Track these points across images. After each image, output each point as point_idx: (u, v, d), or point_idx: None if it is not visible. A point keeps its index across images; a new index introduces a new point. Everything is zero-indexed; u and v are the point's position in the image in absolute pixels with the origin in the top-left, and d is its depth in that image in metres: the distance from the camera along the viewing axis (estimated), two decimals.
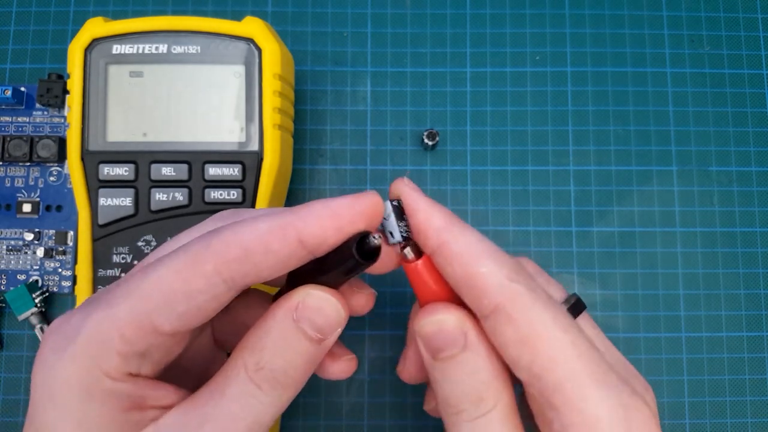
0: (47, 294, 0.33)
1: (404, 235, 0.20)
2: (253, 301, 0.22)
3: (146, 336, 0.17)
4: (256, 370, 0.17)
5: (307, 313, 0.18)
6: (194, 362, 0.21)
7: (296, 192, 0.35)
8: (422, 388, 0.33)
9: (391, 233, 0.20)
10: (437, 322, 0.19)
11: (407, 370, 0.23)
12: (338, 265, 0.18)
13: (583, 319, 0.22)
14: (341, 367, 0.22)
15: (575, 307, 0.21)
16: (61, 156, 0.33)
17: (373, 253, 0.18)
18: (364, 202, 0.18)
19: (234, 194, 0.28)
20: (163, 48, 0.29)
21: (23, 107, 0.34)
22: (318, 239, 0.17)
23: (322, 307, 0.18)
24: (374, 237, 0.18)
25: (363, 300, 0.22)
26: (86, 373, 0.17)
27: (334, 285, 0.19)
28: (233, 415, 0.17)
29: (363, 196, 0.18)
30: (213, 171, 0.28)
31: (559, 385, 0.17)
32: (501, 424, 0.18)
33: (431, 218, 0.19)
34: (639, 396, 0.18)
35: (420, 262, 0.20)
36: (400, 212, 0.20)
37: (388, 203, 0.20)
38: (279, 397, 0.18)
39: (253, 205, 0.28)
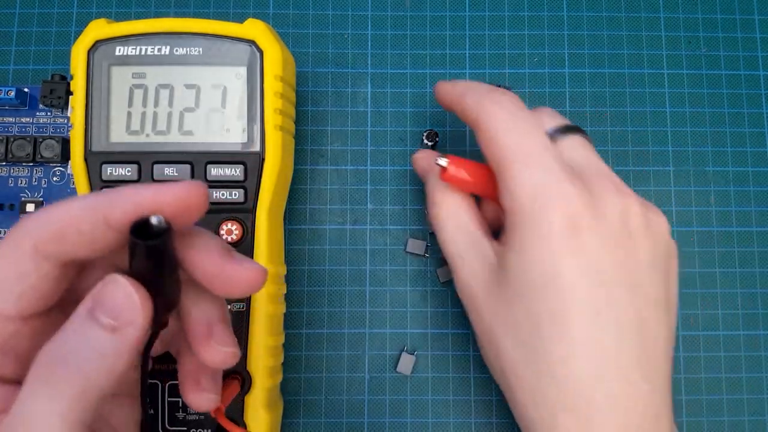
0: None
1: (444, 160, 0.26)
2: None
3: None
4: (49, 370, 0.16)
5: (98, 298, 0.17)
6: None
7: (298, 192, 0.35)
8: (422, 387, 0.33)
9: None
10: (421, 158, 0.31)
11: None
12: (130, 250, 0.18)
13: (573, 139, 0.26)
14: (212, 355, 0.21)
15: (565, 130, 0.27)
16: (65, 156, 0.33)
17: (157, 234, 0.17)
18: (173, 192, 0.18)
19: (236, 194, 0.29)
20: (165, 49, 0.29)
21: (27, 108, 0.34)
22: (123, 223, 0.17)
23: (112, 289, 0.17)
24: (156, 217, 0.17)
25: (214, 354, 0.20)
26: None
27: (153, 275, 0.18)
28: (27, 415, 0.16)
29: (174, 186, 0.18)
30: (215, 171, 0.28)
31: (507, 169, 0.24)
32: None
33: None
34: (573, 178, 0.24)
35: (448, 163, 0.26)
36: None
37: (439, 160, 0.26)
38: (75, 399, 0.16)
39: (255, 206, 0.29)
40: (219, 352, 0.20)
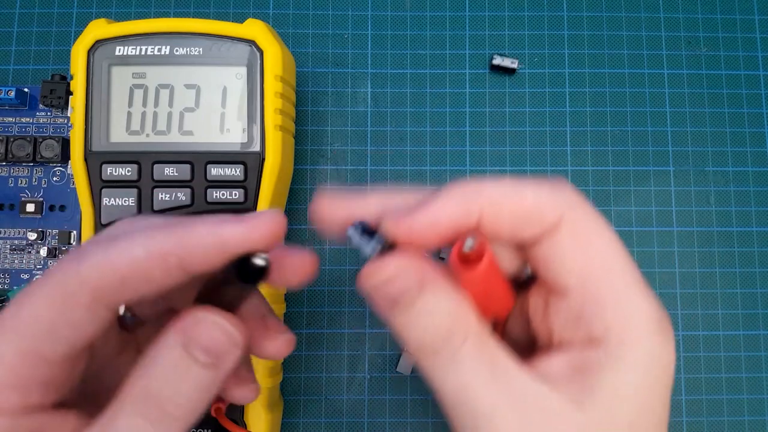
0: None
1: (383, 245, 0.17)
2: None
3: (40, 368, 0.16)
4: (145, 400, 0.16)
5: (195, 337, 0.17)
6: (119, 379, 0.21)
7: (297, 192, 0.35)
8: (422, 387, 0.33)
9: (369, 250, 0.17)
10: (386, 270, 0.17)
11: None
12: (225, 284, 0.17)
13: None
14: (277, 346, 0.20)
15: None
16: (65, 156, 0.33)
17: (259, 273, 0.17)
18: (258, 230, 0.16)
19: (236, 194, 0.29)
20: (165, 49, 0.29)
21: (27, 108, 0.34)
22: (203, 268, 0.16)
23: (213, 330, 0.17)
24: (259, 258, 0.16)
25: (278, 345, 0.20)
26: None
27: (232, 303, 0.18)
28: None
29: (256, 224, 0.17)
30: (215, 171, 0.28)
31: (612, 286, 0.17)
32: (479, 352, 0.17)
33: (443, 207, 0.17)
34: (661, 306, 0.18)
35: (484, 261, 0.17)
36: (367, 231, 0.17)
37: (351, 230, 0.17)
38: (168, 429, 0.16)
39: (255, 206, 0.29)
40: (280, 340, 0.20)
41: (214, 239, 0.16)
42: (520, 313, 0.20)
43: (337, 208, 0.18)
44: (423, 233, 0.17)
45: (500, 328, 0.21)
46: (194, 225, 0.16)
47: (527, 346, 0.20)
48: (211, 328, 0.17)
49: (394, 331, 0.18)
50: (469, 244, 0.17)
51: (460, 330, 0.17)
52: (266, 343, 0.20)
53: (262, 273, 0.17)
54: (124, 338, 0.20)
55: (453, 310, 0.17)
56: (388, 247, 0.17)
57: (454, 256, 0.17)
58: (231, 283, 0.17)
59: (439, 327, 0.17)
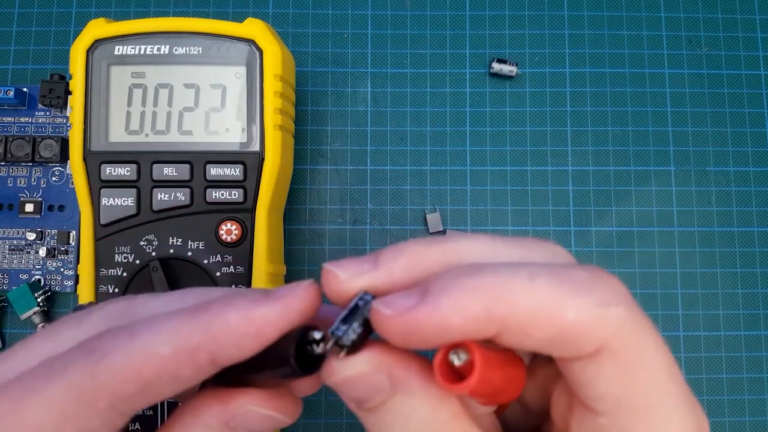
0: (49, 293, 0.33)
1: (355, 340, 0.14)
2: None
3: None
4: None
5: (244, 427, 0.15)
6: None
7: (297, 192, 0.35)
8: None
9: (336, 333, 0.14)
10: (350, 367, 0.14)
11: None
12: (272, 367, 0.15)
13: None
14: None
15: None
16: (64, 156, 0.33)
17: (320, 360, 0.14)
18: (294, 308, 0.14)
19: (235, 194, 0.28)
20: (164, 49, 0.29)
21: (26, 108, 0.34)
22: (237, 359, 0.14)
23: (265, 424, 0.15)
24: (315, 342, 0.14)
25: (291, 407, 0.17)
26: None
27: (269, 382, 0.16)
28: None
29: (291, 302, 0.14)
30: (214, 171, 0.28)
31: (648, 410, 0.14)
32: None
33: (459, 308, 0.13)
34: (703, 413, 0.15)
35: (476, 371, 0.13)
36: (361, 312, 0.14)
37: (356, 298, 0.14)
38: None
39: (254, 205, 0.29)
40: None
41: (247, 327, 0.14)
42: (537, 387, 0.17)
43: (346, 283, 0.15)
44: (422, 337, 0.13)
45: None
46: (222, 310, 0.14)
47: (538, 412, 0.17)
48: (263, 423, 0.15)
49: (366, 427, 0.15)
50: (459, 360, 0.13)
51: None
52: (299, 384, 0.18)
53: (322, 359, 0.14)
54: None
55: (432, 413, 0.14)
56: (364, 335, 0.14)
57: (437, 365, 0.14)
58: (274, 370, 0.15)
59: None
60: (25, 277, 0.33)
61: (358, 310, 0.14)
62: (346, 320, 0.14)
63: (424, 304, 0.13)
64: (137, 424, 0.28)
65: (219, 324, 0.14)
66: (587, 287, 0.14)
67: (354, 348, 0.14)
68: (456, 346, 0.14)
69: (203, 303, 0.15)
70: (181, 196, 0.28)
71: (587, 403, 0.14)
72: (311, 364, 0.14)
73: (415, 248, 0.15)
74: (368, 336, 0.14)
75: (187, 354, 0.14)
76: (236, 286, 0.28)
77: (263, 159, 0.28)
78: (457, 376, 0.14)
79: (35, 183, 0.34)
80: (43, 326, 0.33)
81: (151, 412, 0.28)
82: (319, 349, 0.14)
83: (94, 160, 0.28)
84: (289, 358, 0.14)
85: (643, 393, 0.14)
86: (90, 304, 0.26)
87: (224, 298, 0.15)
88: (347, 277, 0.14)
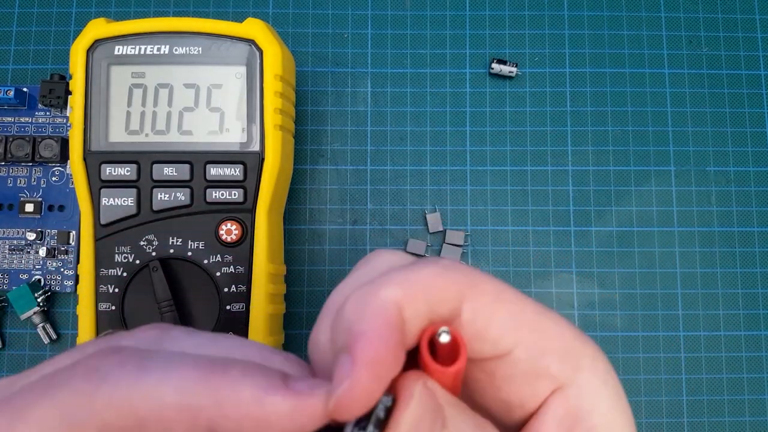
0: (49, 293, 0.33)
1: None
2: None
3: None
4: None
5: None
6: None
7: (297, 192, 0.35)
8: None
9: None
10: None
11: None
12: None
13: None
14: None
15: None
16: (64, 156, 0.33)
17: None
18: (309, 412, 0.13)
19: (235, 194, 0.28)
20: (164, 49, 0.29)
21: (26, 108, 0.34)
22: None
23: None
24: None
25: None
26: None
27: None
28: None
29: (308, 404, 0.13)
30: (215, 171, 0.28)
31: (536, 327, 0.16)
32: None
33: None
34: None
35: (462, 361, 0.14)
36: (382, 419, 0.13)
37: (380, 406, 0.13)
38: None
39: (254, 205, 0.29)
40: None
41: (256, 411, 0.13)
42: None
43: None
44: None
45: None
46: (239, 381, 0.13)
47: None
48: None
49: None
50: (444, 339, 0.14)
51: None
52: None
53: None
54: None
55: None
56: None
57: (424, 346, 0.14)
58: None
59: None
60: (25, 277, 0.33)
61: (373, 411, 0.13)
62: (360, 423, 0.13)
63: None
64: None
65: (229, 394, 0.13)
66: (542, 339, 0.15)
67: None
68: (438, 325, 0.14)
69: (223, 362, 0.14)
70: (181, 196, 0.28)
71: (496, 352, 0.15)
72: None
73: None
74: None
75: (189, 412, 0.13)
76: (244, 307, 0.28)
77: (263, 159, 0.28)
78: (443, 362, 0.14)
79: (35, 183, 0.34)
80: (43, 327, 0.33)
81: None
82: None
83: (94, 160, 0.28)
84: None
85: (524, 313, 0.15)
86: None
87: (245, 366, 0.14)
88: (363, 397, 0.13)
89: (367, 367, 0.13)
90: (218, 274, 0.28)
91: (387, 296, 0.14)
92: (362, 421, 0.13)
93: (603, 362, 0.16)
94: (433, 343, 0.14)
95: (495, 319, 0.15)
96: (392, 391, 0.14)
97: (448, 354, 0.14)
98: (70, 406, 0.13)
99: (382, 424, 0.13)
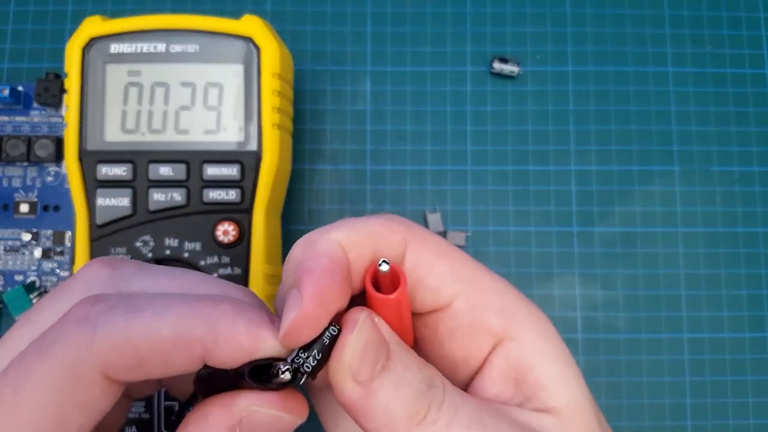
0: (45, 294, 0.33)
1: (309, 367, 0.15)
2: None
3: None
4: None
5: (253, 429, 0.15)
6: (102, 421, 0.19)
7: (295, 192, 0.34)
8: None
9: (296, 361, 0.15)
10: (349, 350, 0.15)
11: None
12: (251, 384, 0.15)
13: None
14: None
15: None
16: (59, 156, 0.33)
17: (284, 384, 0.15)
18: (295, 342, 0.14)
19: (233, 194, 0.28)
20: (161, 47, 0.29)
21: (21, 107, 0.34)
22: (225, 365, 0.15)
23: (272, 426, 0.15)
24: (282, 370, 0.15)
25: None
26: None
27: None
28: None
29: (295, 337, 0.14)
30: (211, 171, 0.28)
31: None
32: (461, 396, 0.16)
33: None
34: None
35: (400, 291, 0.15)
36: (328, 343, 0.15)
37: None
38: None
39: (252, 206, 0.28)
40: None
41: (248, 342, 0.14)
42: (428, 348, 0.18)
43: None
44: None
45: None
46: (234, 316, 0.14)
47: None
48: (271, 425, 0.15)
49: (360, 407, 0.15)
50: (384, 267, 0.15)
51: (438, 377, 0.15)
52: None
53: (286, 384, 0.15)
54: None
55: (421, 362, 0.16)
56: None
57: (367, 279, 0.16)
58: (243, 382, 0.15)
59: (420, 384, 0.15)
60: (20, 278, 0.33)
61: (319, 338, 0.14)
62: (306, 348, 0.14)
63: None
64: (134, 428, 0.28)
65: (226, 326, 0.14)
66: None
67: (313, 374, 0.15)
68: (378, 258, 0.15)
69: (213, 299, 0.15)
70: (178, 196, 0.28)
71: (437, 303, 0.17)
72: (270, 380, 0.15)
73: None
74: (326, 361, 0.15)
75: (186, 343, 0.14)
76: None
77: (261, 158, 0.28)
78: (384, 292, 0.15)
79: (30, 183, 0.33)
80: None
81: (148, 416, 0.28)
82: (282, 377, 0.15)
83: (89, 159, 0.28)
84: (246, 376, 0.14)
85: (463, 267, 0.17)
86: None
87: (234, 301, 0.15)
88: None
89: (313, 297, 0.14)
90: (215, 275, 0.28)
91: (332, 237, 0.15)
92: (309, 346, 0.14)
93: (543, 318, 0.17)
94: (376, 280, 0.16)
95: (435, 269, 0.16)
96: (339, 324, 0.15)
97: (389, 285, 0.15)
98: (70, 357, 0.14)
99: (327, 349, 0.14)
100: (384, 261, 0.15)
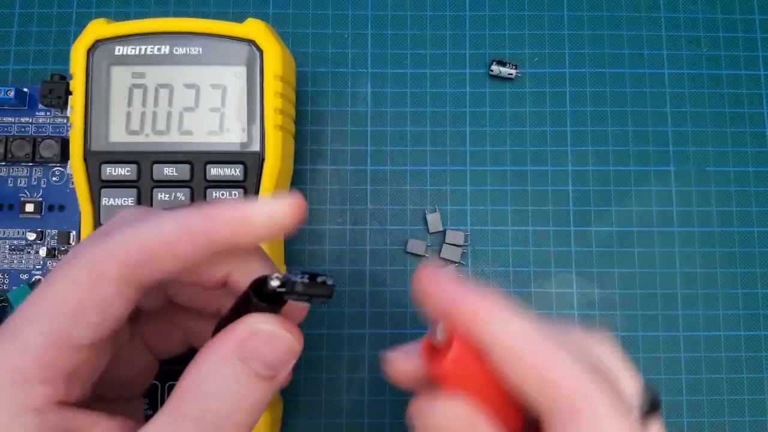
0: None
1: (299, 276, 0.16)
2: (188, 301, 0.20)
3: (66, 356, 0.15)
4: (200, 419, 0.15)
5: (255, 349, 0.16)
6: (127, 374, 0.20)
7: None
8: None
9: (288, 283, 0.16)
10: (443, 415, 0.16)
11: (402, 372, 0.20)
12: (248, 308, 0.17)
13: (655, 425, 0.18)
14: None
15: (651, 406, 0.18)
16: (64, 156, 0.33)
17: (277, 296, 0.16)
18: (281, 209, 0.17)
19: (236, 194, 0.28)
20: (165, 49, 0.29)
21: (26, 108, 0.34)
22: (230, 246, 0.17)
23: (272, 342, 0.16)
24: (273, 278, 0.16)
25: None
26: (7, 414, 0.15)
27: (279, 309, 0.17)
28: None
29: (278, 201, 0.17)
30: (215, 171, 0.28)
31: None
32: None
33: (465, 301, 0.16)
34: None
35: (453, 354, 0.14)
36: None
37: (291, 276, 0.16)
38: None
39: None
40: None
41: (240, 215, 0.17)
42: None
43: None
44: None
45: None
46: (220, 203, 0.17)
47: None
48: (270, 340, 0.16)
49: None
50: (439, 335, 0.14)
51: None
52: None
53: (279, 296, 0.16)
54: (130, 329, 0.20)
55: None
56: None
57: (424, 349, 0.16)
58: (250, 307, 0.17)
59: None
60: (25, 277, 0.33)
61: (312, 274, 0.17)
62: (292, 271, 0.17)
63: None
64: (147, 401, 0.28)
65: (216, 212, 0.16)
66: (574, 358, 0.16)
67: (300, 294, 0.16)
68: (435, 324, 0.16)
69: (202, 204, 0.17)
70: (182, 196, 0.28)
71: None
72: (273, 300, 0.17)
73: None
74: (313, 288, 0.16)
75: (188, 231, 0.16)
76: None
77: (263, 159, 0.28)
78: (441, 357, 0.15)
79: (35, 183, 0.34)
80: None
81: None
82: (274, 284, 0.16)
83: (94, 160, 0.28)
84: (248, 291, 0.16)
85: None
86: None
87: (221, 201, 0.18)
88: None
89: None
90: None
91: None
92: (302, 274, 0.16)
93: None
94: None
95: None
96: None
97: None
98: (90, 257, 0.16)
99: (311, 274, 0.16)
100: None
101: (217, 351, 0.16)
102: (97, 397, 0.18)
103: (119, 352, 0.19)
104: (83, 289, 0.16)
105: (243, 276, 0.18)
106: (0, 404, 0.15)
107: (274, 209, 0.17)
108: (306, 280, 0.16)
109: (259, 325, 0.16)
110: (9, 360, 0.15)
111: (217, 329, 0.17)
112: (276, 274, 0.16)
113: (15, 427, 0.15)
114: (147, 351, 0.21)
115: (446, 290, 0.17)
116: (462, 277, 0.18)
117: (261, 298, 0.16)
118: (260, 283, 0.16)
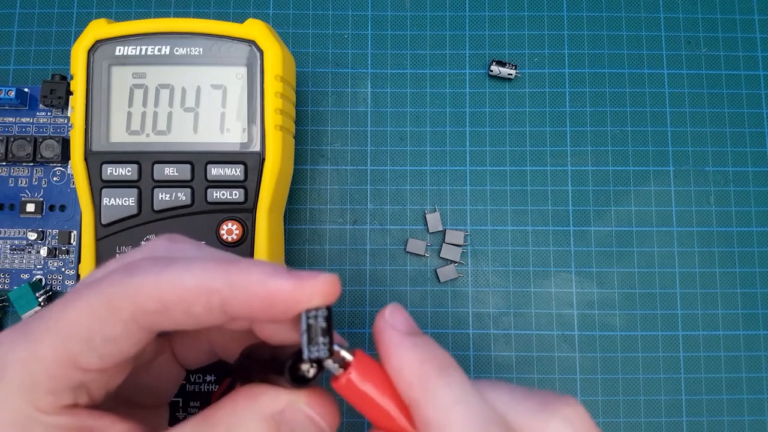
0: (51, 293, 0.33)
1: (325, 353, 0.16)
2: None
3: (72, 374, 0.16)
4: None
5: (292, 427, 0.16)
6: (155, 383, 0.21)
7: (298, 192, 0.35)
8: None
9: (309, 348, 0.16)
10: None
11: None
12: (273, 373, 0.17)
13: None
14: None
15: None
16: (65, 156, 0.33)
17: (307, 380, 0.16)
18: (308, 291, 0.16)
19: (236, 194, 0.29)
20: (165, 49, 0.29)
21: (27, 108, 0.34)
22: (245, 316, 0.16)
23: (308, 425, 0.16)
24: (309, 367, 0.16)
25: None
26: (19, 411, 0.15)
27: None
28: None
29: (307, 284, 0.16)
30: (215, 171, 0.28)
31: None
32: None
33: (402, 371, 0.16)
34: None
35: (347, 377, 0.16)
36: (325, 324, 0.16)
37: (304, 315, 0.16)
38: None
39: (255, 205, 0.29)
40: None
41: (262, 289, 0.15)
42: None
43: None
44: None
45: None
46: (248, 268, 0.16)
47: None
48: (308, 423, 0.16)
49: None
50: (338, 361, 0.16)
51: None
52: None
53: (310, 380, 0.16)
54: (159, 341, 0.20)
55: None
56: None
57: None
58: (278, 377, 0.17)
59: None
60: (26, 276, 0.33)
61: (313, 326, 0.16)
62: (312, 340, 0.16)
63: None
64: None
65: (240, 277, 0.16)
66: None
67: (330, 354, 0.16)
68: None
69: (236, 258, 0.17)
70: (182, 196, 0.28)
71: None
72: (303, 381, 0.16)
73: None
74: (332, 337, 0.16)
75: (205, 292, 0.15)
76: None
77: (264, 159, 0.29)
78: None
79: (36, 183, 0.34)
80: None
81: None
82: (310, 373, 0.16)
83: (95, 160, 0.29)
84: (285, 373, 0.16)
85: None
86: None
87: (254, 260, 0.16)
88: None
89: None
90: None
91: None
92: (313, 338, 0.16)
93: None
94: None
95: None
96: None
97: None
98: (108, 291, 0.16)
99: (327, 322, 0.16)
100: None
101: (256, 407, 0.16)
102: (123, 400, 0.19)
103: (147, 364, 0.20)
104: (95, 320, 0.16)
105: (266, 330, 0.18)
106: (8, 402, 0.15)
107: (299, 289, 0.16)
108: (327, 340, 0.16)
109: (301, 405, 0.16)
110: (23, 361, 0.16)
111: (246, 356, 0.18)
112: (308, 355, 0.16)
113: (30, 426, 0.15)
114: (175, 362, 0.21)
115: (389, 341, 0.17)
116: (415, 330, 0.18)
117: (294, 378, 0.16)
118: (295, 363, 0.16)
